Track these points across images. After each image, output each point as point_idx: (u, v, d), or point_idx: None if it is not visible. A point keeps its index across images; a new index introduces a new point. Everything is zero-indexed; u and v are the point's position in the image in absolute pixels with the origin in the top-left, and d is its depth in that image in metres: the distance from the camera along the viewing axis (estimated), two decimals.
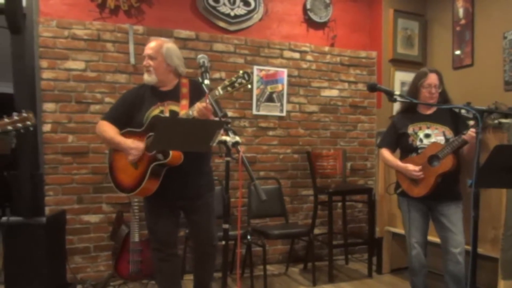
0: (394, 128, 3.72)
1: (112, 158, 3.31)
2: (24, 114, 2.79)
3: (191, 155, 3.09)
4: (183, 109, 3.13)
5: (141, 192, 3.15)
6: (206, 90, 2.85)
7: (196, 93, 3.14)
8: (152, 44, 3.29)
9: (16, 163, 4.05)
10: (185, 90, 3.26)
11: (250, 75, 2.85)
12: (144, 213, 3.45)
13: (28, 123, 2.80)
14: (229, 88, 2.86)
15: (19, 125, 2.78)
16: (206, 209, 3.36)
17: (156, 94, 3.29)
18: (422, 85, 3.50)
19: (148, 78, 3.26)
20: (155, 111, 3.20)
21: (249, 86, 2.94)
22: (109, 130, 3.23)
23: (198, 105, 2.90)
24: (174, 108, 3.21)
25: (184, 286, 4.26)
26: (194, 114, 2.92)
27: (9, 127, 2.77)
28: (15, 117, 2.78)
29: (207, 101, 2.81)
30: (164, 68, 3.27)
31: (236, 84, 2.85)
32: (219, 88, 2.87)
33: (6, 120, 2.78)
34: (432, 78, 3.49)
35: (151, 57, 3.25)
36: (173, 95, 3.26)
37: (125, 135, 3.22)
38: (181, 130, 2.50)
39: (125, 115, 3.28)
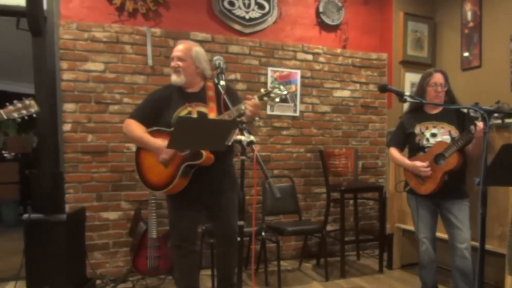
0: (402, 128, 3.80)
1: (139, 156, 3.34)
2: (27, 102, 2.87)
3: (216, 154, 3.15)
4: (211, 111, 3.21)
5: (170, 190, 3.20)
6: (222, 91, 3.01)
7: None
8: (181, 47, 3.36)
9: (37, 161, 4.16)
10: (211, 93, 3.32)
11: (285, 87, 3.09)
12: (167, 210, 3.48)
13: (32, 110, 2.88)
14: (265, 98, 3.07)
15: (24, 112, 2.86)
16: (229, 205, 3.39)
17: (183, 95, 3.35)
18: (428, 84, 3.58)
19: (177, 79, 3.31)
20: (183, 111, 3.26)
21: (283, 97, 3.13)
22: (136, 128, 3.26)
23: (249, 103, 3.03)
24: (202, 109, 3.27)
25: (200, 281, 4.34)
26: (246, 112, 3.04)
27: (15, 114, 2.85)
28: (19, 104, 2.86)
29: (224, 98, 3.01)
30: (193, 70, 3.33)
31: (272, 94, 3.06)
32: (256, 96, 3.06)
33: (11, 107, 2.85)
34: (438, 77, 3.57)
35: (180, 59, 3.31)
36: (200, 97, 3.32)
37: (153, 134, 3.26)
38: (198, 130, 2.56)
39: (152, 114, 3.32)
